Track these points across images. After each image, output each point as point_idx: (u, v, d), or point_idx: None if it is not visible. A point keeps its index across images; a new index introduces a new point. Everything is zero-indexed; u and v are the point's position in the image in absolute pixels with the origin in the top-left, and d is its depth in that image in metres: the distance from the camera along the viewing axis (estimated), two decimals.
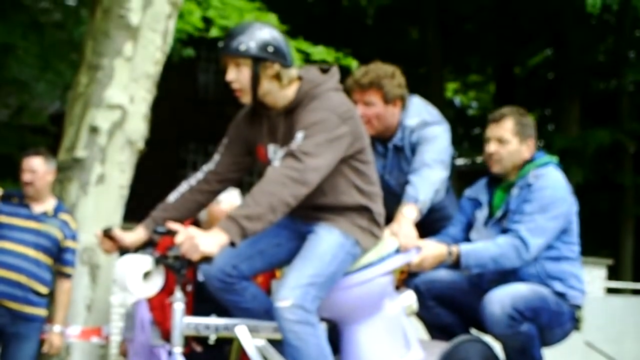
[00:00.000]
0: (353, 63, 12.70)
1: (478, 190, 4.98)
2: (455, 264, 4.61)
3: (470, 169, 27.33)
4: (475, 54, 25.37)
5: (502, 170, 4.82)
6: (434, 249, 4.55)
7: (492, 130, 4.82)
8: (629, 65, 21.08)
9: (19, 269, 6.14)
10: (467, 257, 4.60)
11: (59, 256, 6.31)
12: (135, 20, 6.87)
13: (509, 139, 4.78)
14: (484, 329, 4.76)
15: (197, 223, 5.56)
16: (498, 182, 4.89)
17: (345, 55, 12.82)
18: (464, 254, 4.60)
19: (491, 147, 4.80)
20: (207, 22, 11.72)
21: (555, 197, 4.70)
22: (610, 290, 16.08)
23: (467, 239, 4.90)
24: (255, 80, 4.00)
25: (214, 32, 11.47)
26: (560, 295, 4.72)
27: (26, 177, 6.28)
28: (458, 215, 5.01)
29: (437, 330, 4.90)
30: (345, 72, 11.92)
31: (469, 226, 4.94)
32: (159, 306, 5.38)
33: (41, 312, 6.25)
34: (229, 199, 5.59)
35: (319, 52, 12.46)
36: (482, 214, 4.88)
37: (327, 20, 22.74)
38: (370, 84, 4.92)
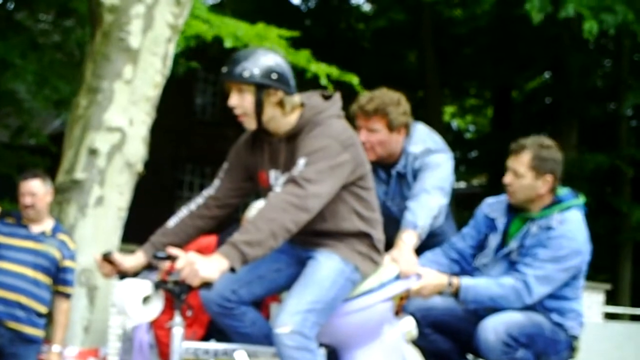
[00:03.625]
0: (354, 79, 12.78)
1: (498, 211, 4.87)
2: (454, 295, 4.59)
3: (467, 192, 27.37)
4: (472, 78, 25.43)
5: (516, 202, 4.72)
6: (434, 278, 4.54)
7: (510, 161, 4.71)
8: (627, 89, 21.11)
9: (18, 290, 6.14)
10: (466, 291, 4.57)
11: (57, 276, 6.31)
12: (135, 43, 6.88)
13: (523, 173, 4.66)
14: (481, 355, 4.73)
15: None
16: (518, 209, 4.80)
17: (346, 72, 12.93)
18: (463, 288, 4.57)
19: (507, 178, 4.71)
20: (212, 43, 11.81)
21: (572, 249, 4.62)
22: (608, 316, 16.06)
23: (472, 256, 4.88)
24: (259, 107, 4.01)
25: (228, 44, 11.51)
26: (557, 325, 4.70)
27: (27, 200, 6.28)
28: (471, 229, 4.93)
29: (434, 357, 4.86)
30: (346, 87, 12.05)
31: (479, 244, 4.89)
32: (164, 329, 5.36)
33: (41, 333, 6.25)
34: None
35: (322, 68, 12.54)
36: (494, 240, 4.81)
37: (324, 43, 22.79)
38: (375, 110, 4.91)
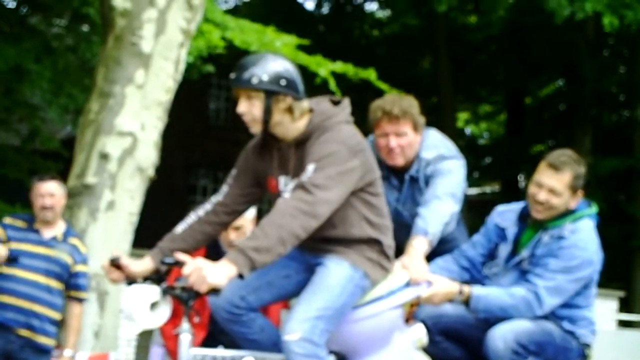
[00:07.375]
0: (372, 75, 12.76)
1: (509, 221, 4.82)
2: (464, 303, 4.56)
3: (480, 198, 27.31)
4: (486, 84, 25.39)
5: (545, 218, 4.63)
6: (445, 286, 4.50)
7: (548, 178, 4.57)
8: None
9: (32, 298, 6.11)
10: (477, 301, 4.54)
11: (69, 281, 6.28)
12: (147, 48, 6.89)
13: (562, 191, 4.57)
14: None
15: None
16: (529, 217, 4.73)
17: (363, 68, 12.93)
18: (474, 297, 4.54)
19: (542, 195, 4.58)
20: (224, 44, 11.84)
21: (583, 259, 4.57)
22: (622, 323, 15.99)
23: (483, 264, 4.85)
24: (268, 113, 3.98)
25: (237, 42, 11.57)
26: (569, 332, 4.67)
27: (47, 201, 6.23)
28: (482, 237, 4.89)
29: None
30: (366, 85, 12.13)
31: (489, 252, 4.85)
32: (172, 335, 5.34)
33: (53, 342, 6.21)
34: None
35: (339, 67, 12.56)
36: (505, 249, 4.77)
37: (338, 49, 22.79)
38: (403, 113, 4.89)
